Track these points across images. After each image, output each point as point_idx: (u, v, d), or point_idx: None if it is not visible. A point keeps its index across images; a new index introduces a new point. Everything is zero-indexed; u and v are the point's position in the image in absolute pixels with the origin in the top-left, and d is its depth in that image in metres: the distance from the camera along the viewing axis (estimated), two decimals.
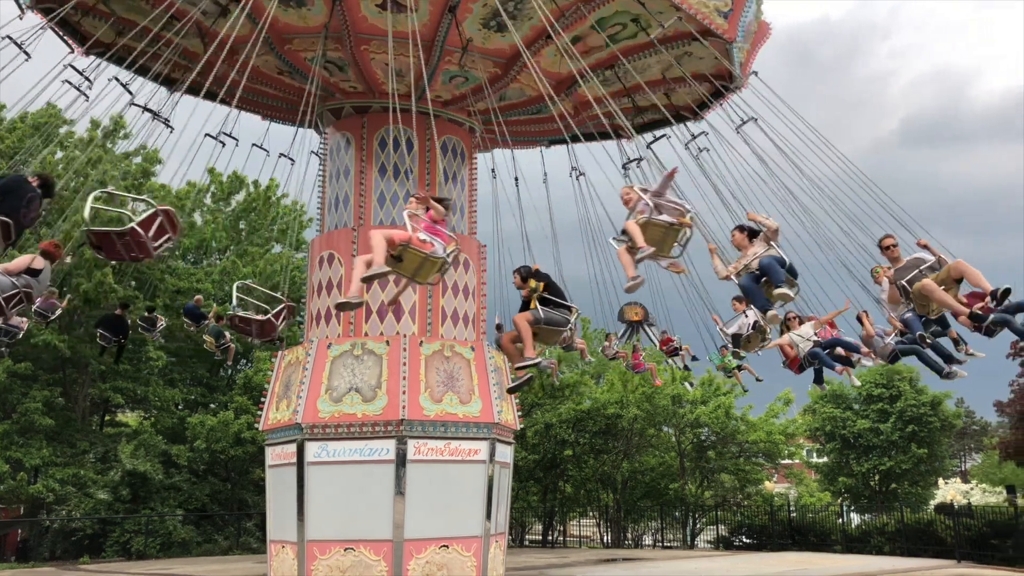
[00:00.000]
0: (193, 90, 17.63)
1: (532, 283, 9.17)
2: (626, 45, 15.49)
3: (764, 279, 9.46)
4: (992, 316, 11.04)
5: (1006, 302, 10.42)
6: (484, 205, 19.55)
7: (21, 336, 15.49)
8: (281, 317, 15.64)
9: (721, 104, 17.01)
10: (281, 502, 14.80)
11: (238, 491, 27.81)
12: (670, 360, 20.12)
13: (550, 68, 15.49)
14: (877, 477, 33.71)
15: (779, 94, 15.34)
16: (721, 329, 13.85)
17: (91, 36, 14.86)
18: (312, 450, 14.27)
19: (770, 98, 15.60)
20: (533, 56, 15.03)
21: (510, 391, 9.47)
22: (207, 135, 16.26)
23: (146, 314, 18.52)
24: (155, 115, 15.34)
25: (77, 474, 24.58)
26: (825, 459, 37.19)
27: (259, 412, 16.30)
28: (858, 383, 16.49)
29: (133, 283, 27.00)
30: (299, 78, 16.11)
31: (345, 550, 13.94)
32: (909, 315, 10.80)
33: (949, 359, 11.35)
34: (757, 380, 17.27)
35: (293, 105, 18.06)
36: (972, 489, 39.00)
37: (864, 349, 12.73)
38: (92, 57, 15.03)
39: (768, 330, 13.04)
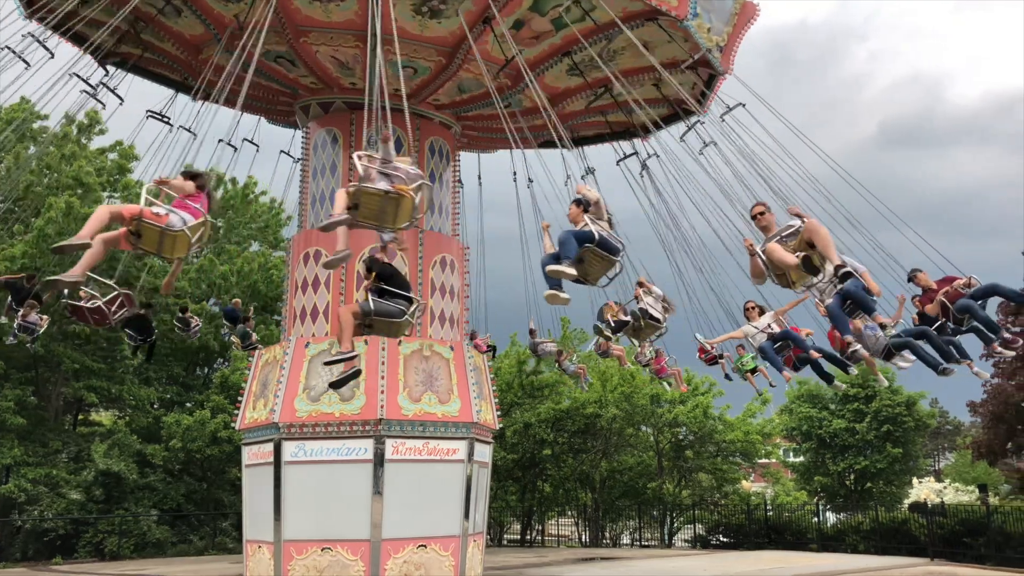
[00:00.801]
0: (173, 85, 17.60)
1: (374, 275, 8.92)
2: (579, 29, 14.65)
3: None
4: (959, 302, 10.50)
5: (848, 282, 9.68)
6: (497, 205, 19.38)
7: (40, 332, 15.55)
8: (116, 306, 15.20)
9: (708, 99, 16.55)
10: (258, 502, 14.68)
11: (214, 491, 27.56)
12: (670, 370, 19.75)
13: (501, 55, 15.03)
14: (852, 476, 34.06)
15: (762, 95, 15.04)
16: (618, 316, 13.18)
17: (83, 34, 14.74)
18: (289, 449, 14.17)
19: (756, 97, 15.43)
20: (475, 42, 14.44)
21: (332, 386, 9.23)
22: (220, 140, 16.29)
23: (180, 314, 18.53)
24: (161, 118, 15.21)
25: (49, 474, 24.25)
26: (801, 458, 37.54)
27: (236, 411, 16.17)
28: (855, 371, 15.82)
29: (110, 281, 26.64)
30: (258, 75, 16.02)
31: (322, 550, 13.85)
32: (831, 303, 9.85)
33: (948, 356, 10.62)
34: (771, 385, 16.44)
35: (270, 103, 17.95)
36: (945, 488, 39.44)
37: (815, 354, 12.01)
38: (75, 50, 14.84)
39: (664, 320, 12.26)
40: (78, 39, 14.70)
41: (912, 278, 11.49)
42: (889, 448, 32.70)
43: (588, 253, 8.24)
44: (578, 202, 8.82)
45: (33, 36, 13.61)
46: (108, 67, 15.86)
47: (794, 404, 35.25)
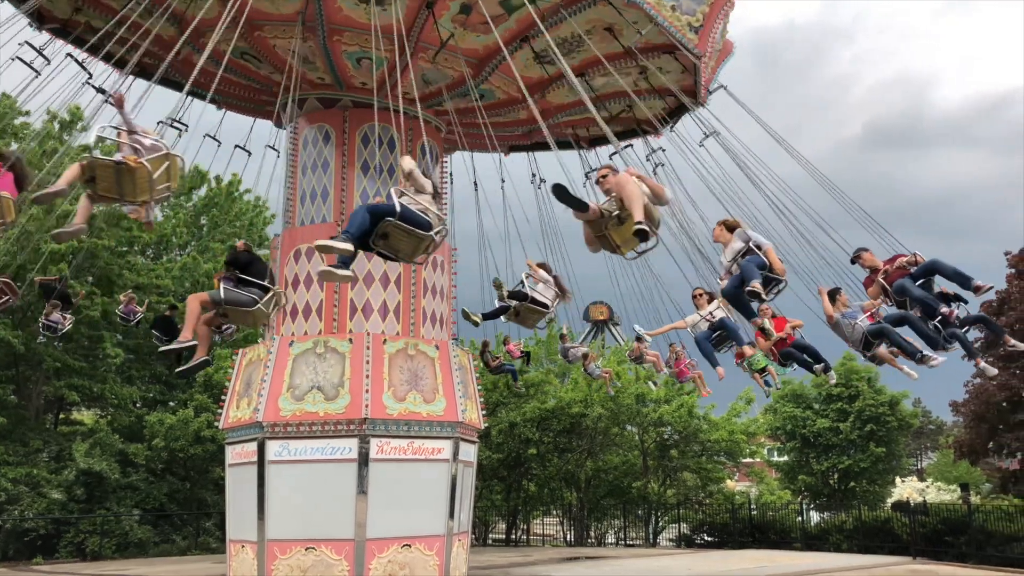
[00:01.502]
0: (156, 79, 17.42)
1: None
2: (530, 13, 13.70)
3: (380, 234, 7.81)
4: (895, 284, 9.86)
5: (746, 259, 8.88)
6: (495, 206, 19.11)
7: (64, 331, 15.54)
8: None
9: (702, 90, 15.73)
10: (241, 501, 14.58)
11: (197, 490, 27.40)
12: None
13: (460, 44, 14.58)
14: (836, 475, 34.26)
15: (752, 95, 14.81)
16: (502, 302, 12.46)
17: (57, 22, 14.62)
18: (273, 449, 14.07)
19: (736, 98, 15.34)
20: (423, 28, 14.04)
21: (179, 375, 9.19)
22: (159, 122, 16.05)
23: None
24: (172, 124, 15.11)
25: (30, 473, 24.03)
26: (786, 458, 37.72)
27: (219, 410, 16.05)
28: (835, 380, 14.88)
29: (91, 278, 26.47)
30: (267, 68, 15.84)
31: (306, 550, 13.77)
32: (726, 284, 9.13)
33: (934, 343, 9.89)
34: (778, 387, 15.80)
35: (253, 100, 17.78)
36: (928, 487, 39.76)
37: (748, 349, 11.58)
38: (49, 36, 14.70)
39: (551, 306, 11.43)
40: (76, 43, 14.61)
41: (856, 258, 10.80)
42: (872, 447, 32.91)
43: (392, 228, 7.68)
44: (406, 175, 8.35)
45: (31, 45, 13.51)
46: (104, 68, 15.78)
47: (778, 404, 35.42)
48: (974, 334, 11.07)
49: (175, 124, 15.46)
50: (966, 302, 10.00)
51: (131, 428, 27.16)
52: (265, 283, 8.82)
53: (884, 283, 10.04)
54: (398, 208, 7.60)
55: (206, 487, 27.49)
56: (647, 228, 7.08)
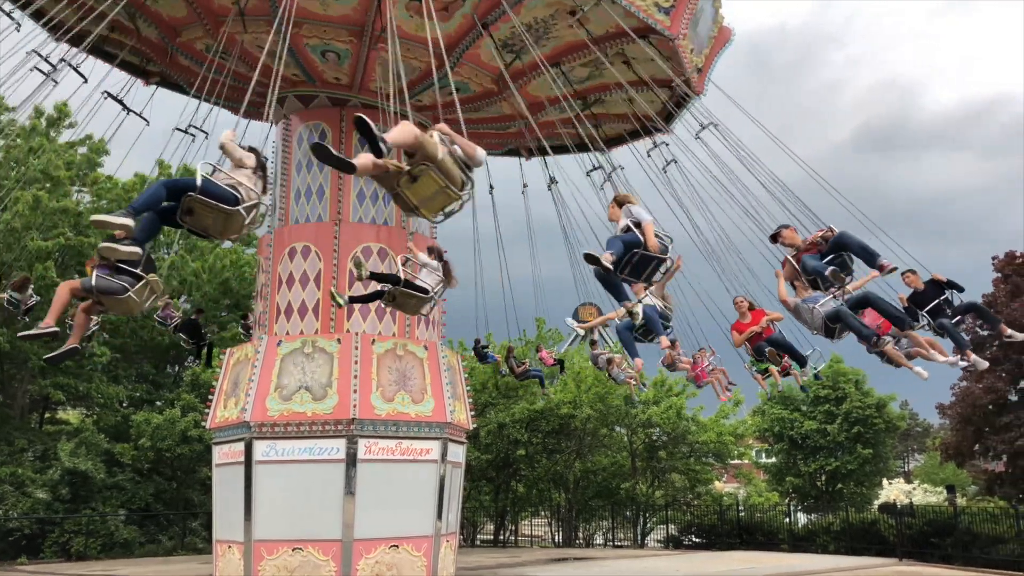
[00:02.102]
0: (147, 77, 17.34)
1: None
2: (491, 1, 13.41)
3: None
4: (802, 263, 9.35)
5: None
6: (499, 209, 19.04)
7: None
8: None
9: (699, 80, 15.57)
10: (228, 501, 14.50)
11: (184, 490, 27.25)
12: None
13: (421, 32, 14.33)
14: (824, 477, 34.37)
15: (743, 98, 14.68)
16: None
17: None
18: (260, 449, 14.00)
19: (728, 96, 15.28)
20: (377, 17, 13.67)
21: (47, 361, 9.08)
22: (176, 129, 16.11)
23: (243, 320, 18.52)
24: (124, 106, 15.00)
25: (15, 473, 23.85)
26: (773, 459, 37.82)
27: (206, 410, 15.97)
28: (798, 387, 14.23)
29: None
30: (243, 66, 15.73)
31: (293, 550, 13.71)
32: (601, 271, 8.44)
33: (902, 324, 9.28)
34: (779, 388, 15.13)
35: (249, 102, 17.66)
36: (914, 489, 39.97)
37: (665, 341, 11.15)
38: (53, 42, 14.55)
39: (431, 292, 10.71)
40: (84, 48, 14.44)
41: (776, 236, 10.05)
42: (860, 449, 33.04)
43: (195, 203, 7.29)
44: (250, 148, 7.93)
45: (38, 54, 13.39)
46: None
47: (766, 405, 35.53)
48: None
49: (192, 131, 15.46)
50: (962, 290, 9.44)
51: (117, 427, 26.98)
52: (138, 271, 8.56)
53: (792, 261, 9.49)
54: (198, 183, 7.22)
55: (193, 487, 27.34)
56: (382, 138, 6.85)
